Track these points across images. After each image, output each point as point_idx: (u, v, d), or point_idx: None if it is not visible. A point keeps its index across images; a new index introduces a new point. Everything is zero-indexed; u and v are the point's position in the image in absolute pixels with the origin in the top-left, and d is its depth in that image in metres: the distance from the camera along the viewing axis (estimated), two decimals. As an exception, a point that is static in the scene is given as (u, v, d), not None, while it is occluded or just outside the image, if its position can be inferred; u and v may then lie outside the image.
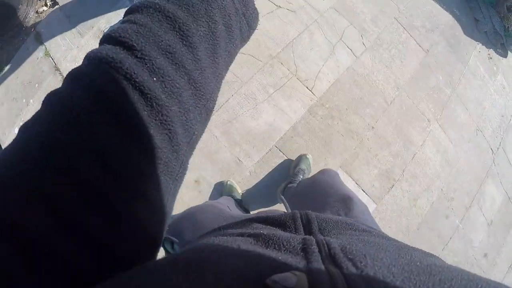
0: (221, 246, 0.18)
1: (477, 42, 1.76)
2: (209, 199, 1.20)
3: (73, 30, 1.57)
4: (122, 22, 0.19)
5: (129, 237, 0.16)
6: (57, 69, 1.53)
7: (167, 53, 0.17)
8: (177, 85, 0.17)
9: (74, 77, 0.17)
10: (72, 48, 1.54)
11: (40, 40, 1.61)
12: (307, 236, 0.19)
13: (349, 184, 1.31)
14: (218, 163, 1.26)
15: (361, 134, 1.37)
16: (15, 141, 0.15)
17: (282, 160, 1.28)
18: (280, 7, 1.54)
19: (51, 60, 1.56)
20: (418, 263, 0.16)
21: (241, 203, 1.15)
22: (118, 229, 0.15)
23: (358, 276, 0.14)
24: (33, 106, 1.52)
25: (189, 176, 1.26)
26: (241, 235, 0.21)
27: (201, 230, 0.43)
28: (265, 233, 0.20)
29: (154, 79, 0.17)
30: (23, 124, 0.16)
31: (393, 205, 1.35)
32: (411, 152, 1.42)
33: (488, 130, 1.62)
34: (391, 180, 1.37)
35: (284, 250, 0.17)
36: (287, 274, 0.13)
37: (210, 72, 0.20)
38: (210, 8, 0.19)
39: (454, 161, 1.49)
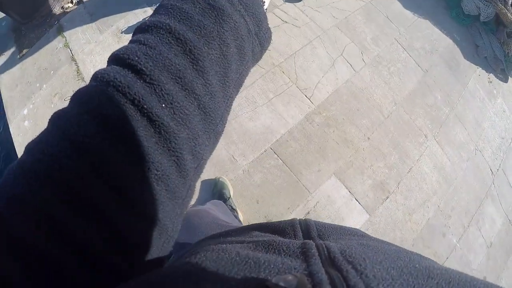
0: (220, 254, 0.18)
1: (477, 66, 1.81)
2: (198, 196, 1.21)
3: (94, 26, 1.70)
4: (131, 41, 0.19)
5: (135, 260, 0.16)
6: (74, 59, 1.64)
7: (177, 78, 0.17)
8: (187, 111, 0.17)
9: (81, 99, 0.16)
10: (90, 42, 1.66)
11: (61, 32, 1.74)
12: (306, 241, 0.19)
13: (342, 192, 1.31)
14: (213, 159, 1.29)
15: (357, 144, 1.39)
16: (22, 160, 0.15)
17: (275, 162, 1.30)
18: (286, 22, 1.64)
19: (69, 51, 1.67)
20: (416, 265, 0.16)
21: (230, 202, 1.15)
22: (123, 252, 0.15)
23: (358, 278, 0.14)
24: (45, 91, 1.60)
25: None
26: (241, 242, 0.21)
27: (196, 233, 0.44)
28: (264, 240, 0.20)
29: (163, 105, 0.16)
30: (30, 143, 0.16)
31: (387, 218, 1.33)
32: (407, 165, 1.42)
33: (487, 151, 1.61)
34: (386, 192, 1.36)
35: (284, 254, 0.17)
36: (288, 275, 0.14)
37: (220, 96, 0.19)
38: (223, 30, 0.19)
39: (451, 179, 1.48)
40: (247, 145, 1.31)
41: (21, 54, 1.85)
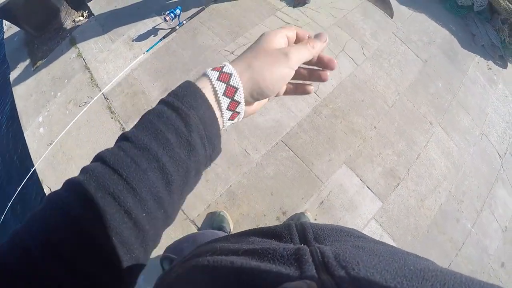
0: (215, 266, 0.19)
1: (475, 55, 1.86)
2: (199, 229, 1.21)
3: (105, 36, 1.79)
4: (121, 148, 0.23)
5: None
6: (87, 67, 1.72)
7: (156, 198, 0.22)
8: (157, 219, 0.23)
9: (78, 193, 0.20)
10: (102, 51, 1.75)
11: (74, 43, 1.83)
12: (300, 246, 0.20)
13: (354, 180, 1.33)
14: (226, 154, 1.33)
15: (364, 133, 1.43)
16: (11, 242, 0.19)
17: (287, 154, 1.33)
18: (288, 23, 1.72)
19: (82, 60, 1.75)
20: (411, 267, 0.16)
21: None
22: None
23: (350, 283, 0.15)
24: (60, 98, 1.67)
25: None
26: (236, 252, 0.21)
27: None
28: (259, 248, 0.20)
29: (144, 214, 0.22)
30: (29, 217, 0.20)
31: (400, 204, 1.34)
32: (415, 152, 1.45)
33: (493, 135, 1.63)
34: (396, 179, 1.38)
35: (278, 263, 0.18)
36: (299, 282, 0.14)
37: (177, 203, 0.25)
38: (190, 161, 0.24)
39: (460, 164, 1.50)
40: (258, 139, 1.35)
41: (35, 66, 1.93)
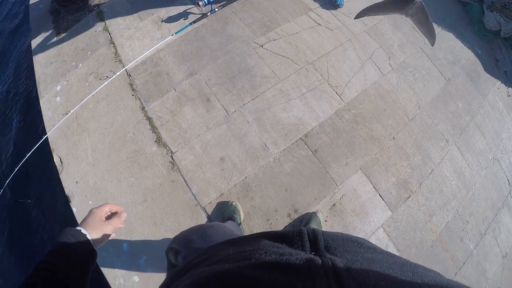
0: (227, 277, 0.19)
1: (497, 80, 1.88)
2: (209, 217, 1.21)
3: (134, 14, 1.77)
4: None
5: None
6: (112, 42, 1.70)
7: None
8: None
9: None
10: (130, 28, 1.73)
11: (101, 17, 1.81)
12: (312, 257, 0.20)
13: (367, 187, 1.35)
14: (246, 145, 1.33)
15: (382, 142, 1.44)
16: None
17: (306, 153, 1.34)
18: (320, 24, 1.73)
19: (108, 34, 1.74)
20: (419, 281, 0.18)
21: (241, 228, 1.13)
22: None
23: None
24: (81, 70, 1.66)
25: (216, 153, 1.33)
26: (249, 258, 0.21)
27: (210, 242, 0.47)
28: (271, 259, 0.20)
29: None
30: None
31: (408, 217, 1.36)
32: (429, 167, 1.46)
33: (505, 161, 1.66)
34: (408, 191, 1.39)
35: (291, 273, 0.18)
36: None
37: None
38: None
39: (470, 185, 1.51)
40: (279, 134, 1.36)
41: (58, 35, 1.92)
